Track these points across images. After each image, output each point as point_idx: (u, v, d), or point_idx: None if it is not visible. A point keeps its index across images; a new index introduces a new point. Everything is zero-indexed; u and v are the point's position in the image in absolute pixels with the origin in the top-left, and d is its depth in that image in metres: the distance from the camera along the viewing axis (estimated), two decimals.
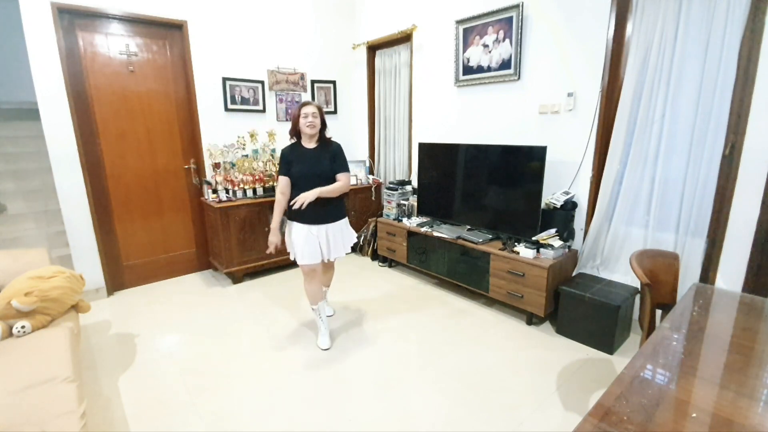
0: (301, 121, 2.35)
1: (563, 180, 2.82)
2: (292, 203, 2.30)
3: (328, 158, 2.40)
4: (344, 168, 2.43)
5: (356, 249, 4.26)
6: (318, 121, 2.37)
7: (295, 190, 2.36)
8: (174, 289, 3.42)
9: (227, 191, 3.42)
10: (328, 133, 2.52)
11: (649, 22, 2.31)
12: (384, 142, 4.47)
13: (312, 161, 2.37)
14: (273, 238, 2.44)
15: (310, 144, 2.42)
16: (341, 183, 2.38)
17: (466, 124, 3.44)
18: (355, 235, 2.62)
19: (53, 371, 1.56)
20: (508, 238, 2.91)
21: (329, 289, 2.88)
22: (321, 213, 2.36)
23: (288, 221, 2.45)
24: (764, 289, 2.04)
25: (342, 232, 2.49)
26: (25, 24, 2.70)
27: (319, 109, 2.41)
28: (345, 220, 2.53)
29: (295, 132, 2.43)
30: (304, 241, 2.36)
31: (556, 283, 2.59)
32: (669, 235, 2.43)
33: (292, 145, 2.46)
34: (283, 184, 2.39)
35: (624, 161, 2.55)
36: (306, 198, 2.23)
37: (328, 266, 2.68)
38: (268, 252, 2.47)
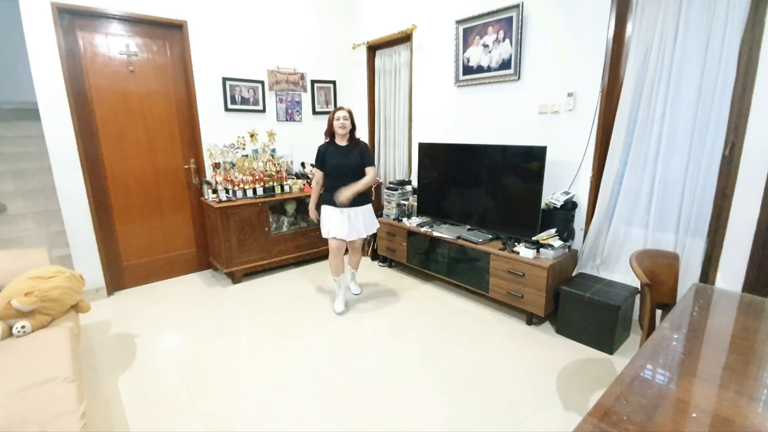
0: (335, 123, 2.81)
1: (563, 180, 2.82)
2: (336, 199, 2.80)
3: (358, 154, 2.87)
4: (371, 163, 2.91)
5: None
6: (348, 123, 2.83)
7: (330, 180, 2.87)
8: (174, 289, 3.42)
9: (227, 191, 3.42)
10: (357, 134, 2.98)
11: (649, 22, 2.31)
12: (384, 142, 4.47)
13: (345, 156, 2.84)
14: (312, 216, 3.05)
15: (342, 142, 2.88)
16: (370, 176, 2.87)
17: (466, 124, 3.44)
18: (377, 225, 3.08)
19: (53, 371, 1.56)
20: (508, 238, 2.91)
21: (357, 271, 3.28)
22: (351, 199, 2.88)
23: (323, 206, 2.94)
24: (764, 289, 2.04)
25: (365, 216, 2.95)
26: (25, 24, 2.70)
27: (350, 113, 2.86)
28: (369, 206, 3.01)
29: (330, 132, 2.88)
30: (337, 222, 2.86)
31: (556, 283, 2.59)
32: (669, 235, 2.43)
33: (326, 143, 2.92)
34: (318, 176, 2.95)
35: (624, 161, 2.55)
36: (345, 197, 2.76)
37: (355, 250, 3.09)
38: (314, 221, 3.02)
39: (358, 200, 2.89)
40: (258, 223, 3.49)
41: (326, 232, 2.92)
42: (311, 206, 3.05)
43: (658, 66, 2.32)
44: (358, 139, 2.95)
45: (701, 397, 1.02)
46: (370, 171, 2.86)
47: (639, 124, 2.44)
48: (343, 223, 2.84)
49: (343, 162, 2.82)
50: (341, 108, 2.85)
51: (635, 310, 2.51)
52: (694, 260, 2.33)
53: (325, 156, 2.86)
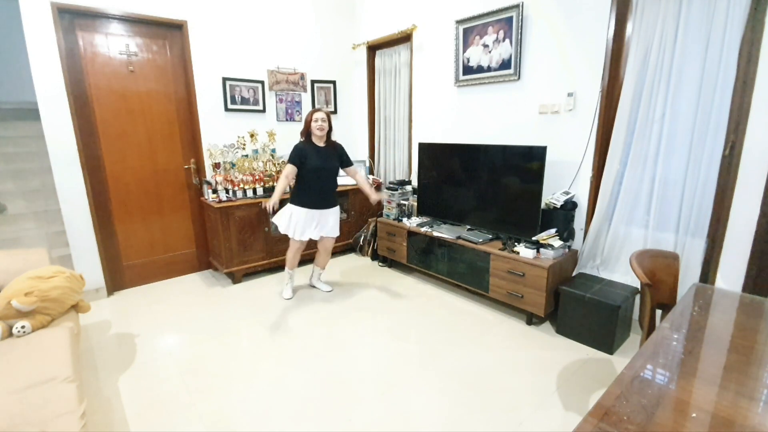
0: (313, 124, 2.86)
1: (563, 180, 2.82)
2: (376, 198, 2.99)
3: (335, 156, 2.99)
4: (352, 162, 3.10)
5: (356, 249, 4.26)
6: (326, 125, 2.89)
7: (308, 181, 2.89)
8: (174, 289, 3.42)
9: (227, 191, 3.42)
10: (333, 136, 3.03)
11: (649, 22, 2.31)
12: (384, 142, 4.47)
13: (324, 158, 2.92)
14: (270, 204, 2.79)
15: (320, 143, 2.94)
16: (362, 174, 3.07)
17: (466, 124, 3.44)
18: (338, 231, 3.14)
19: (53, 371, 1.56)
20: (508, 238, 2.91)
21: (324, 271, 3.38)
22: (322, 200, 2.97)
23: (290, 204, 2.97)
24: (764, 289, 2.04)
25: (330, 219, 3.04)
26: (25, 24, 2.70)
27: (328, 115, 2.92)
28: (338, 208, 3.10)
29: (307, 132, 2.91)
30: (304, 222, 2.93)
31: (556, 283, 2.59)
32: (669, 235, 2.43)
33: (305, 142, 2.93)
34: (289, 171, 2.84)
35: (624, 161, 2.55)
36: (380, 196, 3.08)
37: (326, 251, 3.20)
38: (262, 207, 2.91)
39: (329, 202, 3.01)
40: (258, 223, 3.49)
41: (292, 232, 2.93)
42: (275, 200, 2.78)
43: (658, 66, 2.32)
44: (334, 140, 3.02)
45: (701, 397, 1.02)
46: (359, 170, 3.08)
47: (639, 124, 2.44)
48: (308, 226, 2.94)
49: (324, 165, 2.89)
50: (319, 109, 2.91)
51: (635, 310, 2.51)
52: (694, 260, 2.33)
53: (304, 155, 2.85)
